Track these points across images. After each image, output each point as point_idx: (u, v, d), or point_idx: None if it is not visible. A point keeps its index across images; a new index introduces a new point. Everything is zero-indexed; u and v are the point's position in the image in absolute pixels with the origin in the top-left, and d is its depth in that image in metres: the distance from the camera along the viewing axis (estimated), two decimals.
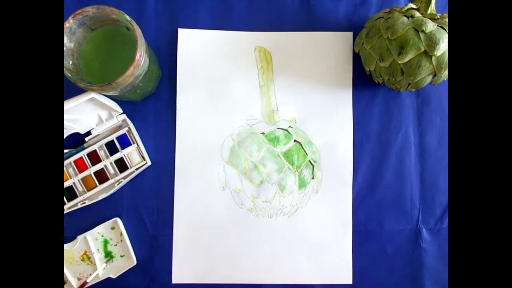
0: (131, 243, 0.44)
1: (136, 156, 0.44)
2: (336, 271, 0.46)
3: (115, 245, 0.44)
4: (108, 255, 0.44)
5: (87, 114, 0.42)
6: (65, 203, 0.43)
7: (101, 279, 0.44)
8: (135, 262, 0.44)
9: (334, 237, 0.46)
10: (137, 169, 0.44)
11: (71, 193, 0.44)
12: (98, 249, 0.44)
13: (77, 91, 0.38)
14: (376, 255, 0.46)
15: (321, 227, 0.46)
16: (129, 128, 0.44)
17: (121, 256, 0.44)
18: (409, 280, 0.46)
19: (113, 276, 0.43)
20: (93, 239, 0.44)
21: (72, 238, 0.44)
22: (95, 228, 0.44)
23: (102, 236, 0.44)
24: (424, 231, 0.46)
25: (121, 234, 0.44)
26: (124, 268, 0.44)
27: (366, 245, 0.46)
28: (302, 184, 0.46)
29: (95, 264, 0.44)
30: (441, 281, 0.46)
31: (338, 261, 0.46)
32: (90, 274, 0.44)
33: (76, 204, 0.44)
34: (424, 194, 0.47)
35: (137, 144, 0.44)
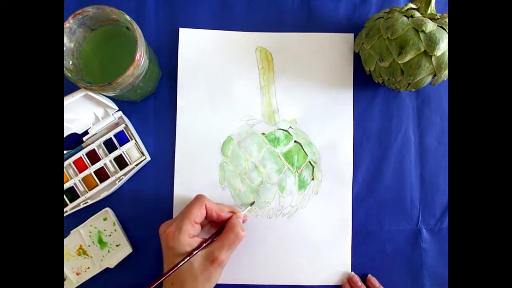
0: (131, 244, 0.45)
1: (135, 152, 0.45)
2: (336, 272, 0.46)
3: (109, 235, 0.44)
4: (104, 246, 0.44)
5: (83, 113, 0.42)
6: (67, 204, 0.43)
7: (100, 270, 0.44)
8: (131, 250, 0.44)
9: (333, 238, 0.46)
10: (137, 165, 0.44)
11: (73, 194, 0.44)
12: (93, 242, 0.44)
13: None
14: (376, 255, 0.46)
15: (320, 228, 0.46)
16: (126, 125, 0.44)
17: (117, 246, 0.44)
18: (409, 280, 0.46)
19: (111, 266, 0.43)
20: (86, 232, 0.44)
21: (66, 234, 0.44)
22: (87, 221, 0.44)
23: (95, 228, 0.44)
24: (424, 231, 0.46)
25: (114, 223, 0.44)
26: (121, 257, 0.44)
27: (366, 245, 0.46)
28: (302, 185, 0.46)
29: (92, 257, 0.44)
30: (441, 281, 0.46)
31: (337, 262, 0.46)
32: (88, 268, 0.44)
33: (78, 204, 0.44)
34: (424, 194, 0.47)
35: (135, 140, 0.44)
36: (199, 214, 0.38)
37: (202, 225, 0.41)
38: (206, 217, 0.40)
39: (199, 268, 0.37)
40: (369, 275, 0.45)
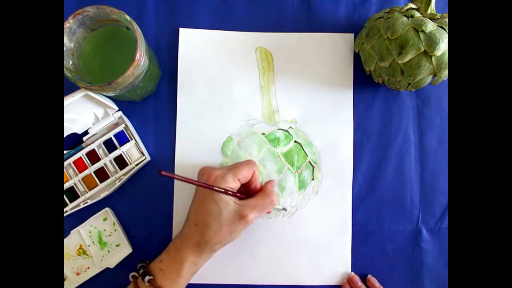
0: (131, 244, 0.45)
1: (135, 152, 0.45)
2: (336, 272, 0.46)
3: (109, 235, 0.44)
4: (104, 246, 0.44)
5: (83, 113, 0.42)
6: (67, 204, 0.43)
7: (99, 270, 0.44)
8: (131, 250, 0.44)
9: (333, 238, 0.46)
10: (136, 165, 0.44)
11: (73, 194, 0.44)
12: (93, 242, 0.44)
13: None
14: (376, 255, 0.46)
15: (320, 228, 0.46)
16: (126, 125, 0.44)
17: (117, 246, 0.44)
18: (409, 280, 0.46)
19: (111, 266, 0.44)
20: (86, 232, 0.44)
21: (66, 234, 0.44)
22: (87, 221, 0.44)
23: (96, 228, 0.44)
24: (424, 231, 0.46)
25: (114, 223, 0.44)
26: (121, 257, 0.44)
27: (366, 246, 0.46)
28: (302, 185, 0.46)
29: (92, 257, 0.44)
30: (441, 281, 0.46)
31: (337, 262, 0.46)
32: (88, 268, 0.44)
33: (78, 204, 0.44)
34: (424, 194, 0.47)
35: (135, 140, 0.44)
36: (245, 174, 0.39)
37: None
38: (247, 183, 0.40)
39: (227, 219, 0.37)
40: (369, 275, 0.45)
